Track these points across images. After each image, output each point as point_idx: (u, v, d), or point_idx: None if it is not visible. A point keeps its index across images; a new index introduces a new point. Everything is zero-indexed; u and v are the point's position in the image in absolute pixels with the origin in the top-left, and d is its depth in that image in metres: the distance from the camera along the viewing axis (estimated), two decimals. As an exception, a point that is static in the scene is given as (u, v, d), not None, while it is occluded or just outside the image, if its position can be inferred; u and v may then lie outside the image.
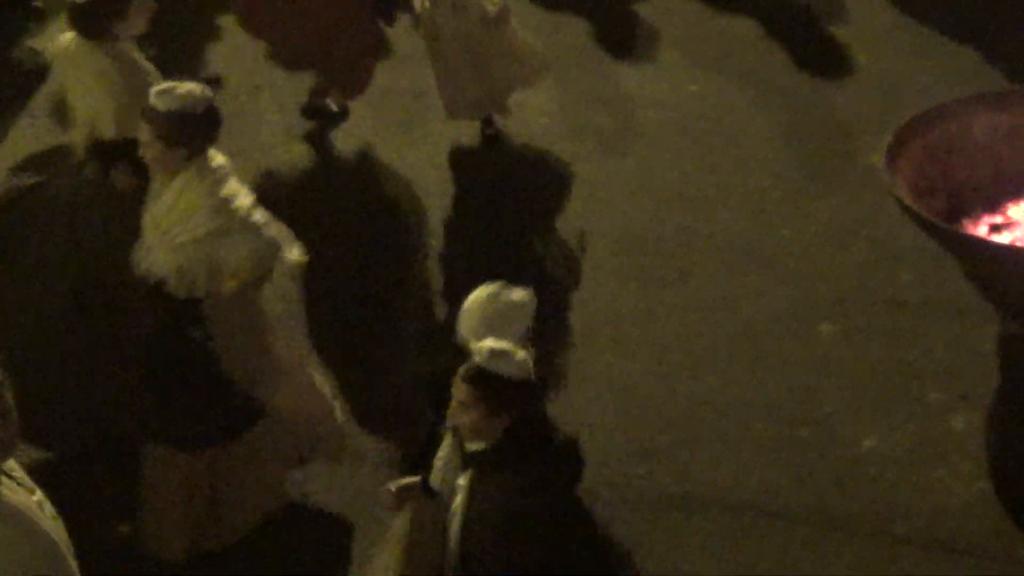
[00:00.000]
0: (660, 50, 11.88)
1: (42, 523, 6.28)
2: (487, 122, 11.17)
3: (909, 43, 11.80)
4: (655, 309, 9.67)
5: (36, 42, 11.72)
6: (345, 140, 11.30)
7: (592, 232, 10.29)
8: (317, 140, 11.29)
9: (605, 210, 10.46)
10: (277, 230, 8.32)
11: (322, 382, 8.69)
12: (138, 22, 8.83)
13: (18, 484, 6.32)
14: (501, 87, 11.02)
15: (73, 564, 6.32)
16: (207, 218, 8.12)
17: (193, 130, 8.04)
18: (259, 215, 8.25)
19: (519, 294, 6.96)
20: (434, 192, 10.76)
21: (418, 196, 10.78)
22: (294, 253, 8.32)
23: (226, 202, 8.17)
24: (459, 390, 6.63)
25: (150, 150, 8.12)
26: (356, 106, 11.46)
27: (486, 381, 6.60)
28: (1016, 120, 9.53)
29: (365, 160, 11.10)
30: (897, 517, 8.43)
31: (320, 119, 11.48)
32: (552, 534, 6.82)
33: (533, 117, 11.27)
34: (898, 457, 8.75)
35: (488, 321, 6.83)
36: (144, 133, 8.10)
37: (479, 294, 6.96)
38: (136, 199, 8.34)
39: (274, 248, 8.30)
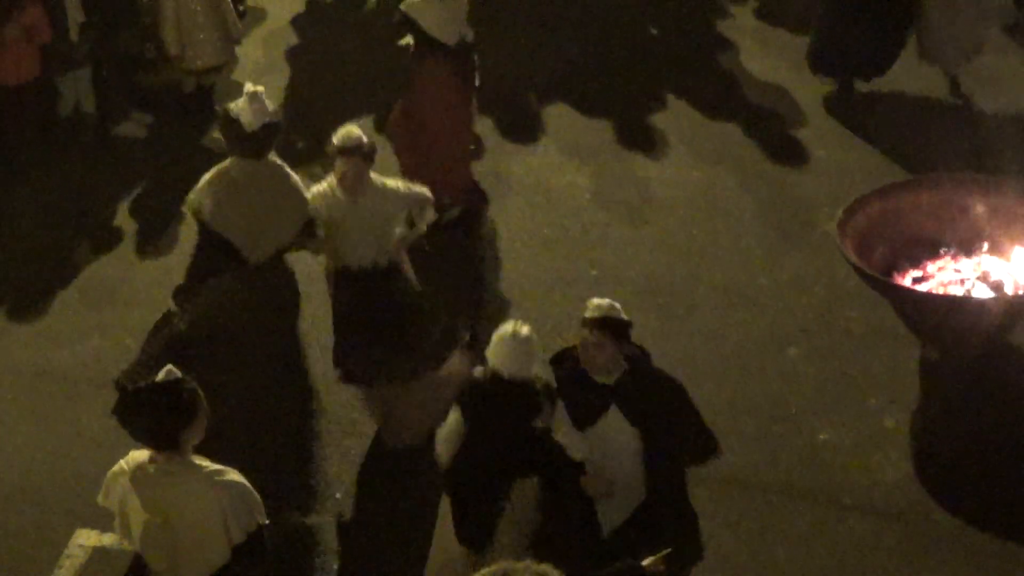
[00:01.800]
0: (672, 144, 11.79)
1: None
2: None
3: (856, 142, 11.71)
4: (669, 335, 9.61)
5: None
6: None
7: (621, 278, 10.22)
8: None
9: (631, 261, 10.40)
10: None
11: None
12: None
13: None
14: None
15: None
16: (402, 197, 8.57)
17: (374, 151, 8.46)
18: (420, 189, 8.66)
19: (527, 330, 6.97)
20: (502, 241, 10.73)
21: (492, 245, 10.71)
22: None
23: (398, 186, 8.61)
24: (591, 335, 6.90)
25: (353, 176, 8.33)
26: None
27: (610, 322, 6.90)
28: (934, 199, 9.50)
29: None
30: (844, 490, 8.41)
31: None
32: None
33: (579, 193, 11.18)
34: (845, 446, 8.72)
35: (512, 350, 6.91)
36: (349, 165, 8.30)
37: (504, 330, 6.96)
38: None
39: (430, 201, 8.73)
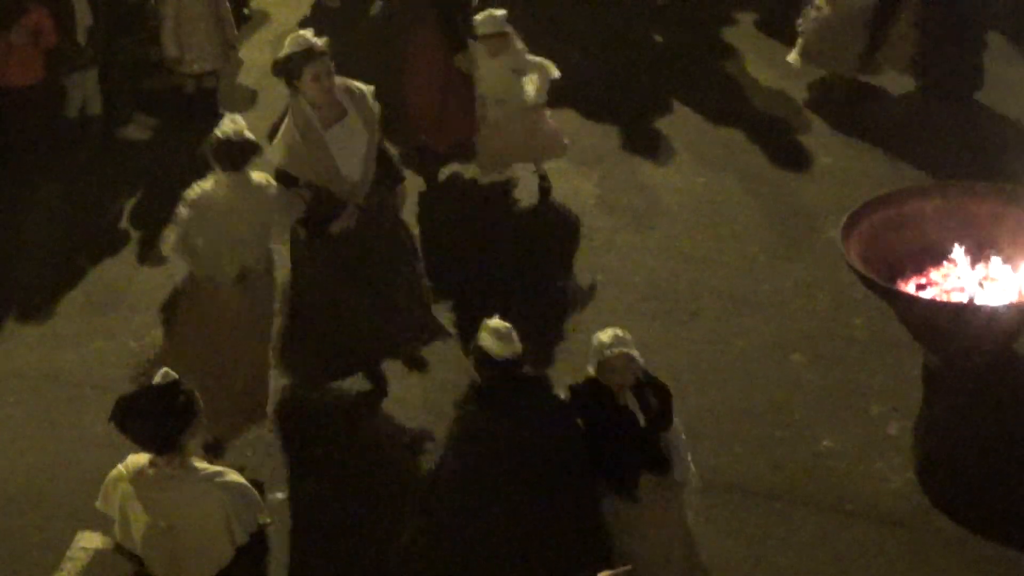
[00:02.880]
0: (677, 151, 11.82)
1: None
2: (543, 178, 11.20)
3: (860, 148, 11.73)
4: (673, 341, 9.63)
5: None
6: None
7: (626, 283, 10.24)
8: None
9: (637, 267, 10.41)
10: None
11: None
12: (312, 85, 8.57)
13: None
14: (532, 156, 11.08)
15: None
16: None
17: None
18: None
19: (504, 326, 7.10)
20: (508, 245, 10.76)
21: (496, 245, 10.76)
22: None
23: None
24: (620, 362, 7.05)
25: (329, 72, 8.40)
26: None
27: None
28: (937, 206, 9.51)
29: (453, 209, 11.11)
30: (847, 497, 8.40)
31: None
32: None
33: (584, 199, 11.20)
34: (848, 453, 8.71)
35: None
36: (320, 67, 8.34)
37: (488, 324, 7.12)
38: None
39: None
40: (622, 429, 7.09)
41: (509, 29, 10.57)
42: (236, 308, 8.27)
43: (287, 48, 8.44)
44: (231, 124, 8.27)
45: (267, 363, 8.59)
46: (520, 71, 10.66)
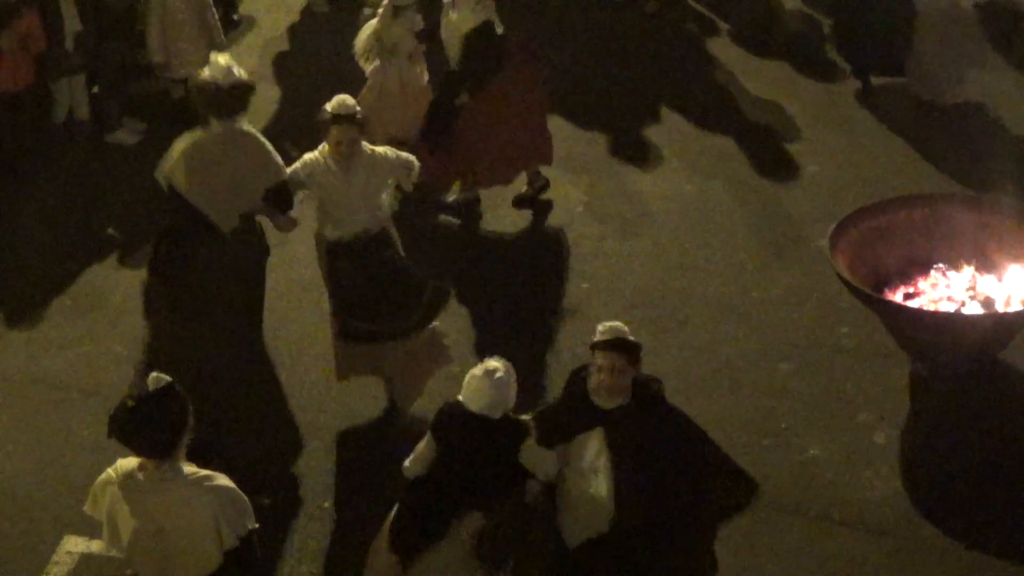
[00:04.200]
0: (666, 159, 11.84)
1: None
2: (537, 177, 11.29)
3: (848, 157, 11.76)
4: (660, 349, 9.64)
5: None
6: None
7: (614, 291, 10.26)
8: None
9: (624, 275, 10.43)
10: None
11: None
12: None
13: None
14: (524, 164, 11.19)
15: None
16: (387, 175, 8.81)
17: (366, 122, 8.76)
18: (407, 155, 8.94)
19: (503, 371, 6.89)
20: (496, 252, 10.77)
21: (484, 252, 10.78)
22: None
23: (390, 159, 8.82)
24: (608, 359, 6.75)
25: (346, 144, 8.55)
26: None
27: (626, 344, 6.79)
28: (925, 216, 9.55)
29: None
30: (834, 506, 8.42)
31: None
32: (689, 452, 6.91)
33: (572, 206, 11.22)
34: (835, 461, 8.74)
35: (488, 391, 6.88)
36: (343, 133, 8.53)
37: (478, 368, 6.91)
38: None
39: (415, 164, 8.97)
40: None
41: None
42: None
43: (226, 79, 8.69)
44: (219, 67, 8.50)
45: None
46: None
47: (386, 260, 8.71)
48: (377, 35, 10.87)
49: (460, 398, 6.93)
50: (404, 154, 8.99)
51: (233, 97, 8.67)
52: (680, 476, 6.86)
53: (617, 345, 6.81)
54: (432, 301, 8.74)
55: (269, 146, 8.86)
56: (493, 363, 6.89)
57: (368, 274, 8.64)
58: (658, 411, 6.95)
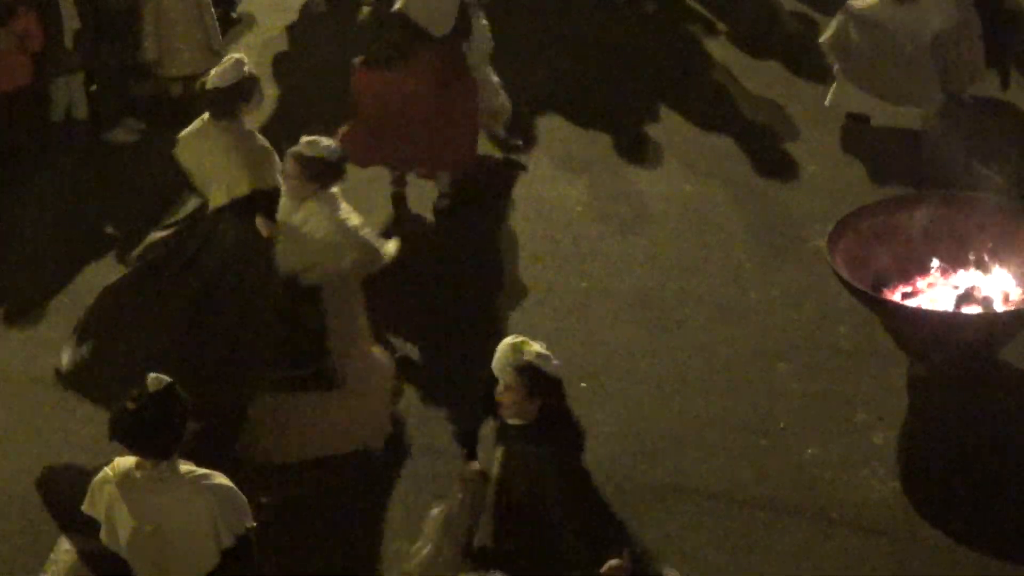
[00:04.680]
0: (665, 159, 11.83)
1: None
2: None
3: (847, 157, 11.75)
4: (657, 349, 9.66)
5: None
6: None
7: (612, 291, 10.26)
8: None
9: (623, 275, 10.43)
10: (376, 239, 8.47)
11: (385, 379, 8.65)
12: (255, 106, 8.90)
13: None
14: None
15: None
16: (330, 233, 8.26)
17: (327, 172, 8.28)
18: (367, 231, 8.43)
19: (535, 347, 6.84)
20: (494, 251, 10.78)
21: (482, 251, 10.78)
22: (391, 247, 8.54)
23: (343, 222, 8.31)
24: (508, 377, 6.69)
25: (292, 181, 8.30)
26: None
27: (530, 371, 6.68)
28: (924, 216, 9.55)
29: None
30: (832, 506, 8.43)
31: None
32: (571, 489, 6.82)
33: (571, 206, 11.22)
34: (833, 462, 8.74)
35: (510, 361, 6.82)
36: (291, 168, 8.28)
37: (506, 342, 6.87)
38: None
39: (375, 255, 8.40)
40: None
41: None
42: None
43: (231, 76, 8.68)
44: (224, 68, 8.65)
45: None
46: None
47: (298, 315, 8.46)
48: None
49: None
50: (370, 237, 8.52)
51: (228, 98, 8.65)
52: (534, 513, 6.83)
53: (518, 368, 6.74)
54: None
55: (268, 146, 8.79)
56: (520, 343, 6.85)
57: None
58: (544, 448, 6.81)
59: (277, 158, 8.74)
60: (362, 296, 8.62)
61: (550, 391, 6.79)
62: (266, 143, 8.84)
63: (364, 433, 8.62)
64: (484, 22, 11.02)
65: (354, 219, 8.43)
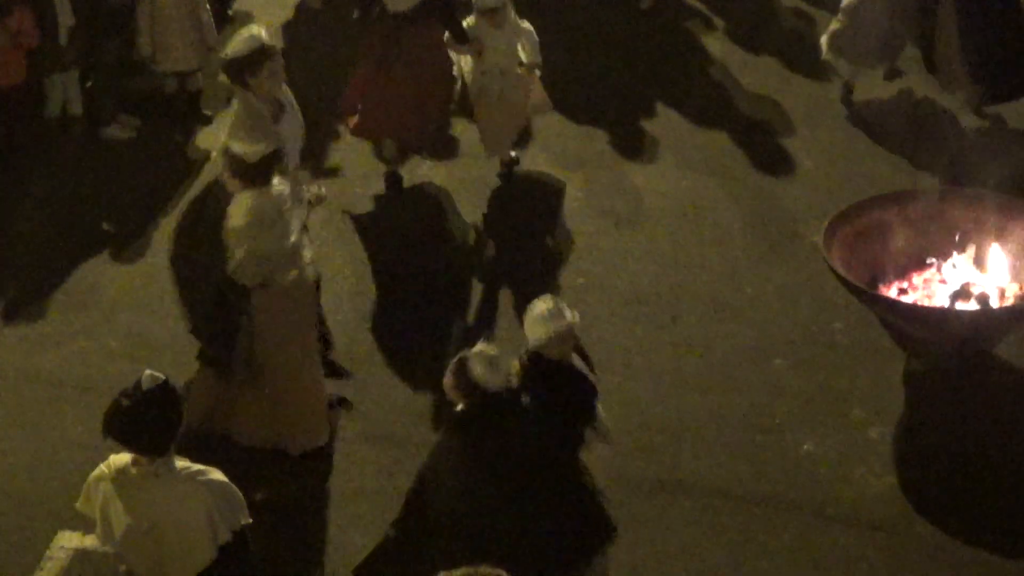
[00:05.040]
0: (661, 155, 11.83)
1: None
2: (516, 160, 11.42)
3: (843, 153, 11.76)
4: (654, 345, 9.67)
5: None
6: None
7: (609, 287, 10.26)
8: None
9: (619, 271, 10.43)
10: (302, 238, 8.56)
11: (317, 392, 8.70)
12: (268, 77, 8.89)
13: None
14: (527, 117, 11.45)
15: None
16: (228, 231, 8.35)
17: (249, 171, 8.30)
18: (295, 223, 8.44)
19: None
20: (489, 247, 10.76)
21: (477, 247, 10.77)
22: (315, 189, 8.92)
23: (242, 226, 8.30)
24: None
25: (228, 183, 8.41)
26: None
27: (459, 368, 6.99)
28: (920, 212, 9.56)
29: (427, 202, 11.16)
30: (828, 502, 8.45)
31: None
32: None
33: (567, 201, 11.21)
34: (830, 458, 8.76)
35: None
36: (224, 169, 8.43)
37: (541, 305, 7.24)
38: None
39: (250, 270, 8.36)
40: (587, 389, 7.33)
41: None
42: None
43: (241, 47, 8.64)
44: (237, 39, 8.99)
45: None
46: (517, 37, 10.99)
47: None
48: None
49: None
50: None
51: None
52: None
53: (457, 366, 7.04)
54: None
55: None
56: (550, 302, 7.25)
57: None
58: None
59: (268, 128, 8.80)
60: (305, 316, 8.64)
61: (470, 390, 7.00)
62: (264, 113, 8.88)
63: (277, 437, 8.68)
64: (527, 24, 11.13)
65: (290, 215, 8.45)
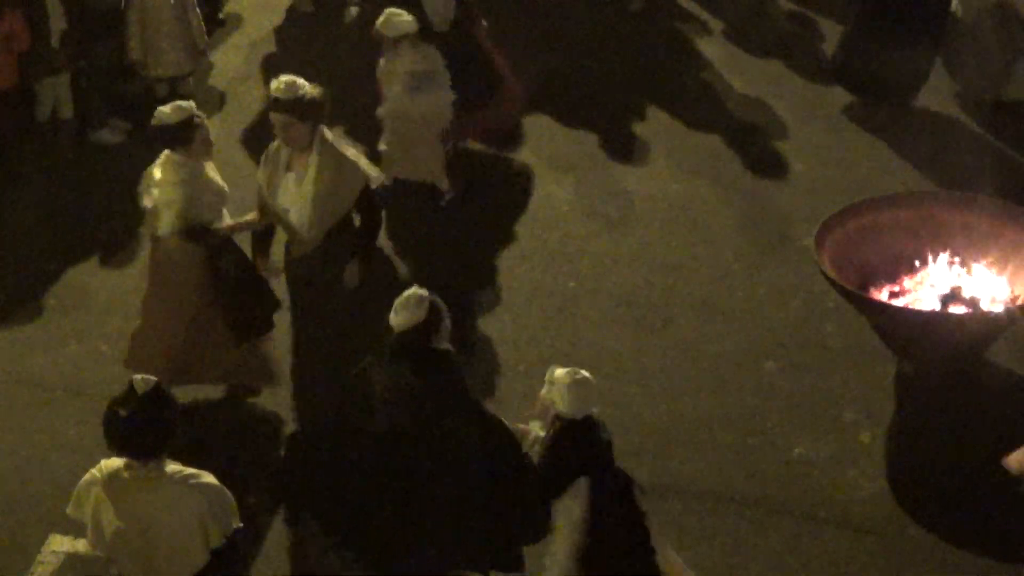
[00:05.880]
0: (652, 158, 11.85)
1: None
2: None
3: (834, 156, 11.79)
4: (645, 348, 9.68)
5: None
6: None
7: (600, 290, 10.28)
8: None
9: (610, 274, 10.45)
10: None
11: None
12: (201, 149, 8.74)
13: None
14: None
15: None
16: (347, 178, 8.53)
17: (314, 107, 8.55)
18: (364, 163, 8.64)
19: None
20: (480, 250, 10.76)
21: (468, 250, 10.74)
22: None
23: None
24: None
25: (291, 131, 8.47)
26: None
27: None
28: (910, 215, 9.57)
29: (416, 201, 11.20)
30: (820, 505, 8.46)
31: None
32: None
33: (558, 205, 11.23)
34: (821, 460, 8.77)
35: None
36: (281, 119, 8.50)
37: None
38: None
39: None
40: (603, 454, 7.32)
41: None
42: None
43: (171, 116, 8.66)
44: (168, 107, 8.66)
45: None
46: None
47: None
48: None
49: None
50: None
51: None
52: None
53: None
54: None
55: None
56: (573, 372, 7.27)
57: None
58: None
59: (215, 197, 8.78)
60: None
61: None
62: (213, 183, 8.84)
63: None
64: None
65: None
